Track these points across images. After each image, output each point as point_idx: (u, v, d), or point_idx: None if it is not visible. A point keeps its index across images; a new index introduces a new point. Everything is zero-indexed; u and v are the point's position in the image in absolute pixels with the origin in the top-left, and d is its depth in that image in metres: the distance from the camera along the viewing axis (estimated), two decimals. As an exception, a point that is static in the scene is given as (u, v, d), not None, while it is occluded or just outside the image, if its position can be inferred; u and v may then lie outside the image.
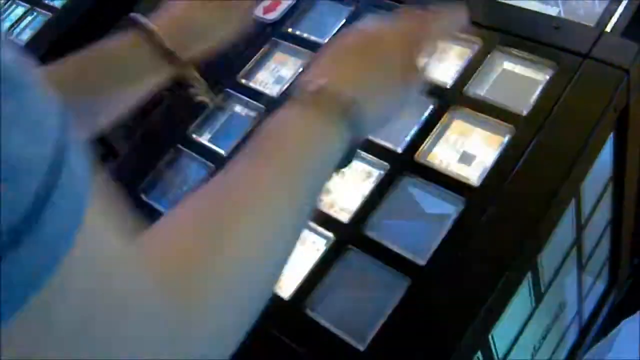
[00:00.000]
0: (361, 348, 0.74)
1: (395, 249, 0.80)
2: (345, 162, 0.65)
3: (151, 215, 0.98)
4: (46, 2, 1.54)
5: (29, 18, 1.53)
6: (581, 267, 1.06)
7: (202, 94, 0.84)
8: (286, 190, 0.57)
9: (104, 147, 1.27)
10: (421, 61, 0.73)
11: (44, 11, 1.52)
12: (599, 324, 1.32)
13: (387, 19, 0.75)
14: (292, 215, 0.58)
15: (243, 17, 0.87)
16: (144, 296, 0.41)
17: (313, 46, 1.04)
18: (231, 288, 0.50)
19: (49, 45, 1.39)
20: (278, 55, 1.09)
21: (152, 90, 0.81)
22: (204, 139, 1.03)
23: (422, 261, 0.78)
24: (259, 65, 1.08)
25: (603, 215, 1.07)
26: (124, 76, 0.78)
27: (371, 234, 0.82)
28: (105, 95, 0.78)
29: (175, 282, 0.45)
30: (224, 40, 0.85)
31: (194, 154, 1.02)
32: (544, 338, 1.04)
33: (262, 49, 1.09)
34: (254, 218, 0.54)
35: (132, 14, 0.78)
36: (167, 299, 0.43)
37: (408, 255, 0.79)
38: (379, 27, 0.75)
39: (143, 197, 1.02)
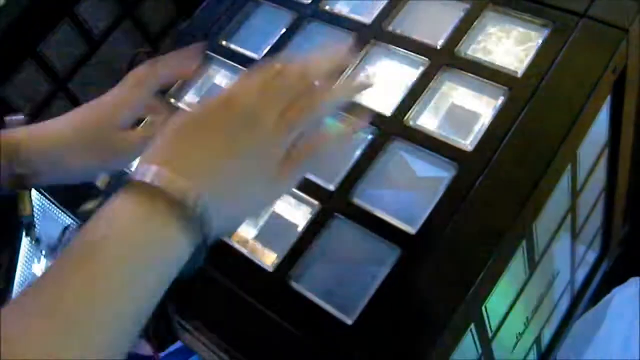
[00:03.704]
0: (349, 322, 0.71)
1: (385, 217, 0.76)
2: (191, 268, 0.54)
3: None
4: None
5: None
6: (575, 235, 1.03)
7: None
8: (104, 303, 0.48)
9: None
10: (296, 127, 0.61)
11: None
12: (591, 293, 1.29)
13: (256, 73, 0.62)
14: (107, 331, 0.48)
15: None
16: None
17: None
18: None
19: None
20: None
21: None
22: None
23: (412, 230, 0.74)
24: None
25: (597, 181, 1.04)
26: None
27: (359, 201, 0.78)
28: None
29: None
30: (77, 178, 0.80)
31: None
32: (536, 309, 1.01)
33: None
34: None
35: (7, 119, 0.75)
36: None
37: (398, 224, 0.75)
38: (238, 86, 0.62)
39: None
